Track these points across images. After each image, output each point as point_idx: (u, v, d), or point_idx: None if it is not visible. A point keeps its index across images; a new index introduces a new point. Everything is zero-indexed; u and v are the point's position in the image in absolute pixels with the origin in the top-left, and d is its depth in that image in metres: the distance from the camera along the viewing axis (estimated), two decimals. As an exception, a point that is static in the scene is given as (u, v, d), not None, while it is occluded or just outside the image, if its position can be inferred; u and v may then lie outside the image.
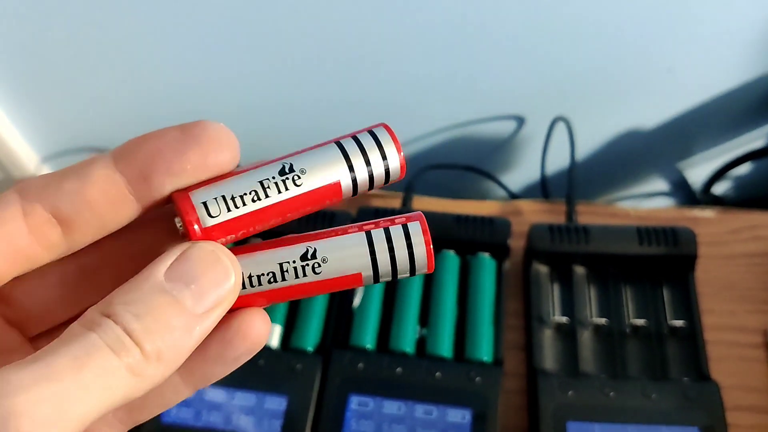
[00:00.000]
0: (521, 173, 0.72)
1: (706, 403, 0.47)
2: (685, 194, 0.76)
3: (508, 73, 0.62)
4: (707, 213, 0.59)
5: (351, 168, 0.18)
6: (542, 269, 0.54)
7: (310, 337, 0.51)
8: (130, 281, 0.18)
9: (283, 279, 0.19)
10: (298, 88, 0.64)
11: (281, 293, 0.19)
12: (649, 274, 0.54)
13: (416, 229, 0.19)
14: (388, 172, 0.19)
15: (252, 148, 0.66)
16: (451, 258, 0.54)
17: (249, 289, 0.19)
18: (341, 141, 0.19)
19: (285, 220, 0.19)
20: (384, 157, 0.18)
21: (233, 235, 0.18)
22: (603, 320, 0.51)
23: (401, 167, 0.19)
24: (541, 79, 0.63)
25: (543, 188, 0.68)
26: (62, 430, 0.16)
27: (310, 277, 0.19)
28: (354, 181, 0.18)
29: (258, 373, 0.49)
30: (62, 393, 0.16)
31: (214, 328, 0.18)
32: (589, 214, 0.59)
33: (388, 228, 0.19)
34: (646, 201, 0.77)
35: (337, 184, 0.18)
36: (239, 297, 0.18)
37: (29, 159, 0.71)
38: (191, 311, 0.17)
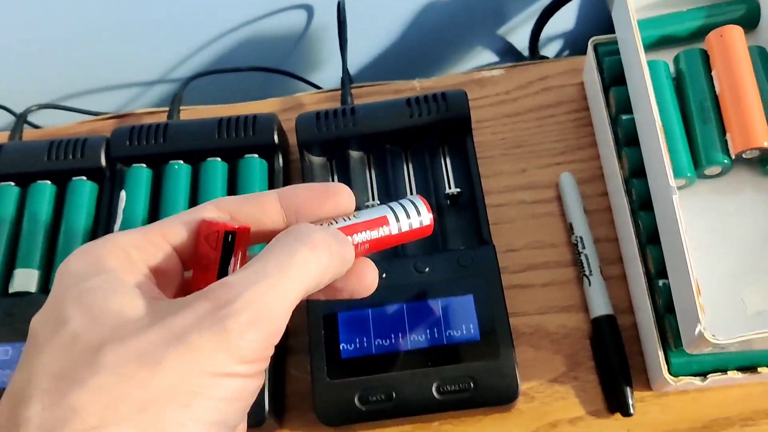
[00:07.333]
0: (331, 67, 0.68)
1: (480, 268, 0.45)
2: (516, 60, 0.72)
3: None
4: (495, 72, 0.55)
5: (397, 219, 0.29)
6: (316, 160, 0.51)
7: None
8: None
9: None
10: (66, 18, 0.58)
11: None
12: (429, 145, 0.51)
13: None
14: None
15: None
16: (215, 165, 0.50)
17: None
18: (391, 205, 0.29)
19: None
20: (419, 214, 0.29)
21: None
22: (376, 203, 0.48)
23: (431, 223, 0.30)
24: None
25: (348, 78, 0.64)
26: (276, 320, 0.23)
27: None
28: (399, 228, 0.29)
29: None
30: (273, 289, 0.23)
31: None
32: (372, 96, 0.55)
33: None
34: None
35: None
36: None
37: None
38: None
